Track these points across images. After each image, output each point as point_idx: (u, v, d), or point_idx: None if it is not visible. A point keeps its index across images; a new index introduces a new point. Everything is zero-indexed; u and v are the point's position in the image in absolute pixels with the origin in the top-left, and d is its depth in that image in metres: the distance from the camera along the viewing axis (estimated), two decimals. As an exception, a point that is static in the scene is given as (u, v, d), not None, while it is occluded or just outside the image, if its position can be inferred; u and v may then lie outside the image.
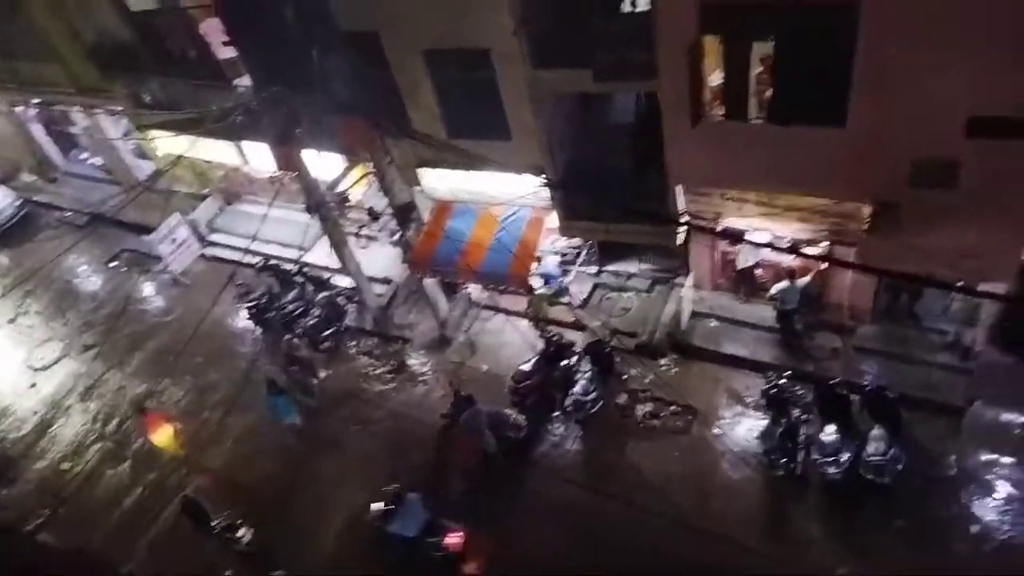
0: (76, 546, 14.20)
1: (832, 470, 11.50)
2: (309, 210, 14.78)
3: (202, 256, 19.65)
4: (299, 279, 17.51)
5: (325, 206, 14.77)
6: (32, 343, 19.24)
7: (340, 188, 15.24)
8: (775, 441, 12.12)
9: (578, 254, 16.18)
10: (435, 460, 14.04)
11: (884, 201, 10.92)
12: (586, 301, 15.75)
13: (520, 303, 16.06)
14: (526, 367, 14.18)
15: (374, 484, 13.62)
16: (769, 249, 12.73)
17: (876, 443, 11.34)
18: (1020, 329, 12.17)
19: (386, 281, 17.60)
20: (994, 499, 11.44)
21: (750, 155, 11.39)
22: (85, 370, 17.89)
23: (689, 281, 14.56)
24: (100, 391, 17.27)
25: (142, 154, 21.56)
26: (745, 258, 14.26)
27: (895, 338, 13.37)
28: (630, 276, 15.97)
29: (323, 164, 14.85)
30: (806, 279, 13.40)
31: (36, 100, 20.37)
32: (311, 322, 16.68)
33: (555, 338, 14.36)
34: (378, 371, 16.23)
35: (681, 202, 12.82)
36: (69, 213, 22.80)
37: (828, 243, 12.38)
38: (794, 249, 12.26)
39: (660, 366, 14.27)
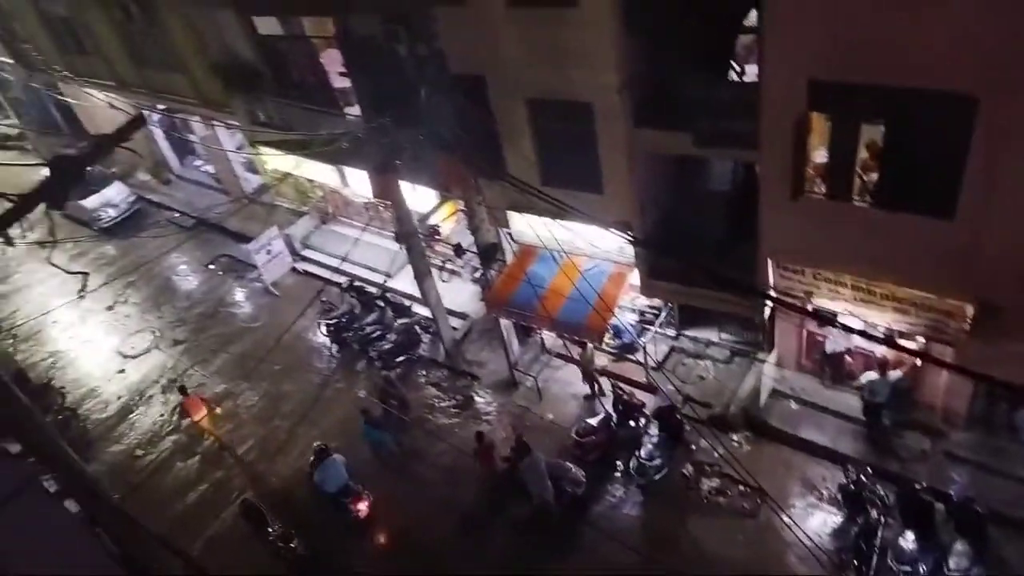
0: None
1: (907, 580, 10.73)
2: (398, 239, 15.15)
3: (293, 270, 20.44)
4: (380, 303, 17.90)
5: (414, 237, 15.10)
6: (126, 331, 20.36)
7: (430, 221, 15.59)
8: (849, 540, 11.45)
9: (657, 315, 15.88)
10: (489, 502, 13.90)
11: (990, 303, 10.25)
12: (661, 364, 15.39)
13: (597, 358, 15.85)
14: (592, 422, 13.97)
15: (423, 513, 13.85)
16: (862, 336, 12.12)
17: (959, 558, 10.55)
18: None
19: (463, 316, 17.78)
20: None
21: (849, 237, 10.95)
22: (171, 364, 18.77)
23: (772, 358, 14.01)
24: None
25: (251, 168, 22.70)
26: (835, 342, 13.60)
27: (989, 448, 12.40)
28: (709, 344, 15.52)
29: (417, 196, 15.24)
30: (899, 373, 12.66)
31: (161, 106, 21.75)
32: (386, 346, 17.04)
33: (625, 397, 14.08)
34: (444, 404, 16.32)
35: (771, 276, 12.41)
36: (177, 214, 24.22)
37: (925, 338, 11.68)
38: (889, 340, 11.63)
39: (732, 441, 13.72)
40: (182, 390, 16.31)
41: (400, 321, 17.42)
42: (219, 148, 21.76)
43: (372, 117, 14.38)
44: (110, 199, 24.23)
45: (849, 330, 11.98)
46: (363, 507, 13.80)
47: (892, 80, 9.16)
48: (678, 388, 14.24)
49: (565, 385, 15.90)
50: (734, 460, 12.23)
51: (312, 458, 14.08)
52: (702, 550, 12.43)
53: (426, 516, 13.89)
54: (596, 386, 15.28)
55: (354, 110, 16.15)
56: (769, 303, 12.89)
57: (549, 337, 16.36)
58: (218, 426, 16.52)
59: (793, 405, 14.02)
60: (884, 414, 12.83)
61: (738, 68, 12.83)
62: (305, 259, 20.86)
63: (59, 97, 25.35)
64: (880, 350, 12.87)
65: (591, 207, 12.43)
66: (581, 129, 12.62)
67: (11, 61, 25.87)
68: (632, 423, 13.88)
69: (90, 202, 23.61)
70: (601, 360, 15.75)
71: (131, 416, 17.69)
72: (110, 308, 21.17)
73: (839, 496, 12.09)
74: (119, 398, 18.24)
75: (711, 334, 15.57)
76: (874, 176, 10.65)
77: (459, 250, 16.41)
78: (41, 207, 6.31)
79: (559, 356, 16.32)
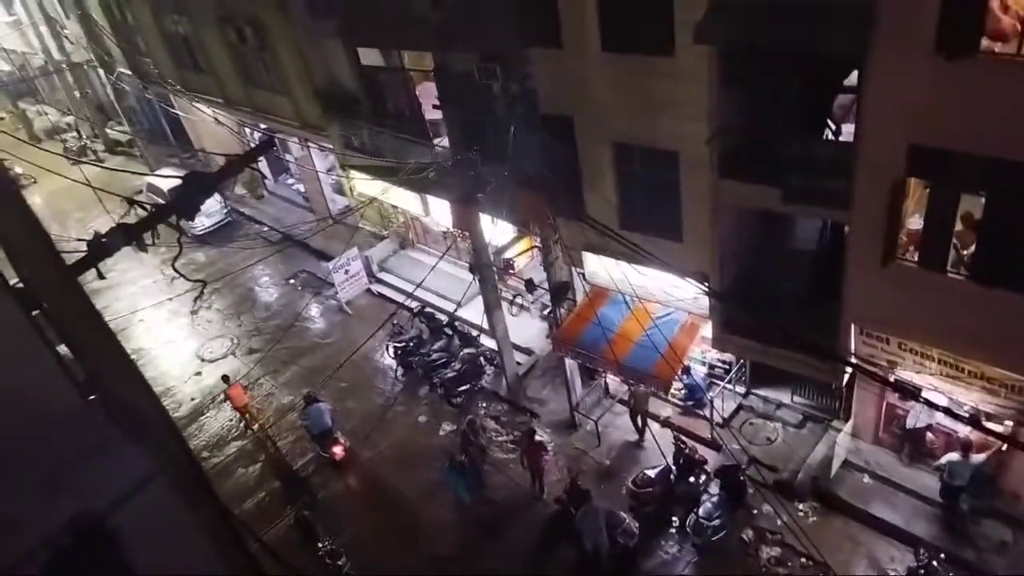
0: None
1: None
2: (472, 269, 15.37)
3: (368, 291, 20.91)
4: (448, 331, 18.10)
5: (488, 269, 15.29)
6: (206, 336, 21.19)
7: (506, 255, 15.76)
8: (914, 629, 10.73)
9: (728, 370, 15.49)
10: (539, 544, 13.69)
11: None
12: (727, 421, 14.96)
13: (659, 408, 15.58)
14: (651, 473, 13.64)
15: (469, 544, 13.81)
16: (946, 414, 11.49)
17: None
18: None
19: (528, 352, 17.78)
20: None
21: (940, 308, 10.47)
22: (245, 371, 19.35)
23: (847, 427, 13.43)
24: (253, 393, 18.58)
25: (339, 190, 23.48)
26: (916, 417, 12.94)
27: (1080, 548, 11.52)
28: (780, 405, 15.01)
29: (495, 229, 15.44)
30: (982, 456, 11.91)
31: (263, 125, 22.83)
32: (450, 375, 17.14)
33: (687, 451, 13.72)
34: (501, 438, 16.26)
35: (853, 341, 11.97)
36: (266, 228, 25.19)
37: (1014, 422, 10.99)
38: (975, 420, 10.99)
39: (797, 510, 13.13)
40: (225, 378, 17.25)
41: (466, 351, 17.54)
42: (312, 168, 22.59)
43: (460, 150, 14.78)
44: (206, 208, 25.08)
45: (933, 406, 11.37)
46: (338, 450, 15.90)
47: (997, 151, 8.82)
48: (744, 448, 13.80)
49: (626, 432, 15.62)
50: (798, 530, 11.78)
51: (303, 404, 16.24)
52: (755, 621, 11.91)
53: (479, 551, 13.80)
54: (645, 428, 15.05)
55: (443, 142, 16.60)
56: (849, 369, 12.40)
57: (613, 382, 16.16)
58: (272, 431, 17.28)
59: (866, 479, 13.35)
60: (963, 498, 12.07)
61: (833, 127, 12.59)
62: (381, 282, 21.33)
63: (170, 109, 27.00)
64: (964, 430, 12.16)
65: (669, 254, 12.33)
66: (665, 176, 12.61)
67: (130, 72, 27.72)
68: (692, 479, 13.48)
69: (186, 210, 24.81)
70: (666, 411, 15.45)
71: (202, 418, 18.29)
72: (194, 312, 22.07)
73: (908, 580, 11.41)
74: (192, 399, 18.92)
75: (784, 395, 15.07)
76: (970, 248, 10.21)
77: (531, 285, 16.48)
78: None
79: (622, 402, 16.08)
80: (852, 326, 11.78)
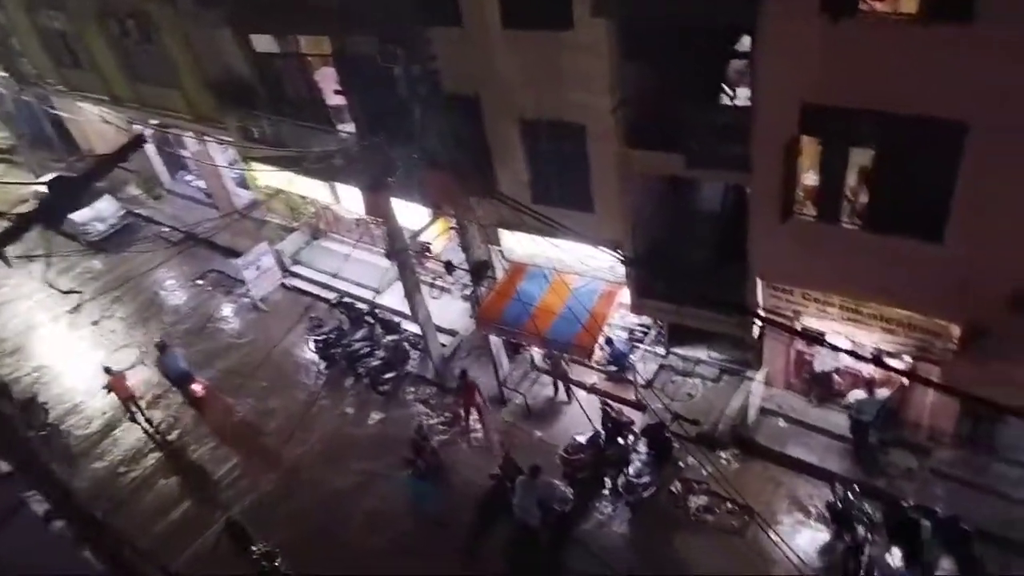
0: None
1: (894, 599, 10.80)
2: (389, 255, 15.20)
3: (282, 285, 20.39)
4: (369, 320, 17.88)
5: (405, 253, 15.15)
6: (111, 346, 20.14)
7: (422, 238, 15.65)
8: (836, 558, 11.56)
9: (647, 333, 15.99)
10: (476, 525, 13.81)
11: (976, 323, 10.45)
12: (650, 382, 15.48)
13: (584, 375, 15.94)
14: (581, 439, 13.96)
15: (406, 532, 13.85)
16: (849, 355, 12.29)
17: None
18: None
19: (452, 333, 17.79)
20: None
21: (838, 258, 11.15)
22: (157, 380, 18.55)
23: (760, 376, 14.15)
24: (166, 402, 17.94)
25: (243, 183, 22.67)
26: (823, 361, 13.78)
27: (975, 467, 12.58)
28: (698, 362, 15.64)
29: (409, 213, 15.31)
30: (886, 392, 12.84)
31: (154, 121, 21.71)
32: (375, 363, 16.99)
33: (614, 414, 14.12)
34: (432, 421, 16.26)
35: (760, 295, 12.58)
36: (166, 229, 24.09)
37: (912, 358, 11.86)
38: (876, 359, 11.80)
39: (720, 459, 13.79)
40: (107, 370, 17.01)
41: (389, 338, 17.40)
42: (211, 163, 21.73)
43: (366, 135, 14.51)
44: (99, 213, 24.00)
45: (837, 349, 12.18)
46: (198, 388, 17.28)
47: (883, 106, 9.39)
48: (667, 406, 14.33)
49: (556, 403, 15.92)
50: (722, 478, 12.38)
51: (157, 352, 17.49)
52: (688, 568, 12.45)
53: (416, 538, 13.83)
54: (569, 391, 15.60)
55: (348, 127, 16.25)
56: (758, 322, 13.04)
57: (539, 354, 16.41)
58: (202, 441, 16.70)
59: (781, 423, 14.15)
60: (871, 433, 12.96)
61: (730, 91, 13.09)
62: (294, 275, 20.79)
63: (52, 111, 25.28)
64: (868, 369, 13.06)
65: (582, 226, 12.56)
66: (573, 149, 12.81)
67: (4, 74, 25.78)
68: (621, 441, 13.89)
69: (79, 215, 23.40)
70: (592, 378, 15.83)
71: (115, 432, 17.47)
72: (96, 323, 20.95)
73: (826, 514, 12.22)
74: (103, 414, 18.00)
75: (700, 353, 15.70)
76: (863, 199, 10.87)
77: (449, 267, 16.46)
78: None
79: (546, 372, 16.36)
80: (759, 281, 12.38)
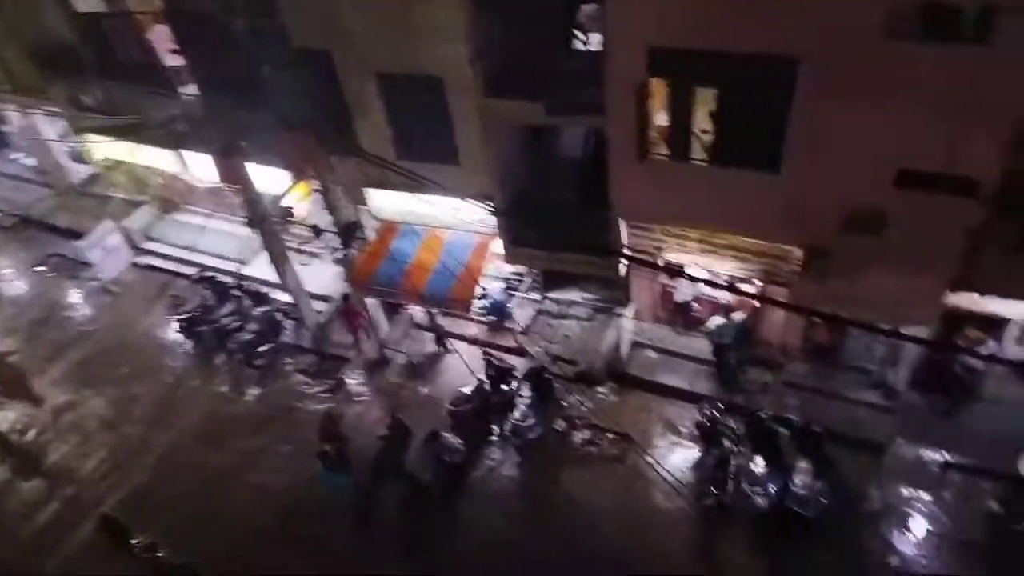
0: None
1: (760, 501, 11.84)
2: (250, 224, 14.51)
3: (134, 264, 19.11)
4: (236, 293, 17.13)
5: (267, 220, 14.54)
6: (-55, 348, 18.22)
7: (283, 203, 15.04)
8: (707, 471, 12.44)
9: (522, 281, 16.32)
10: (367, 485, 13.82)
11: (815, 246, 11.42)
12: (528, 328, 15.88)
13: (465, 327, 16.10)
14: (465, 390, 14.18)
15: (292, 507, 13.62)
16: (706, 285, 13.12)
17: (802, 476, 11.74)
18: (939, 372, 12.85)
19: (326, 299, 17.37)
20: (913, 533, 11.94)
21: (691, 194, 11.77)
22: (1, 379, 17.02)
23: (629, 312, 14.86)
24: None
25: (78, 157, 20.85)
26: (683, 293, 14.65)
27: (822, 376, 13.92)
28: (572, 304, 16.20)
29: (267, 178, 14.63)
30: (741, 316, 13.85)
31: (-35, 96, 19.42)
32: (246, 337, 16.37)
33: (496, 363, 14.42)
34: (314, 390, 15.95)
35: (624, 236, 13.12)
36: (-6, 213, 21.80)
37: (762, 282, 12.84)
38: (730, 286, 12.67)
39: (598, 394, 14.48)
40: None
41: (259, 309, 16.78)
42: (39, 138, 19.75)
43: (210, 96, 13.66)
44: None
45: (695, 280, 12.98)
46: None
47: (720, 45, 9.87)
48: (546, 349, 14.78)
49: (437, 357, 16.03)
50: (601, 411, 13.03)
51: None
52: (576, 500, 13.06)
53: (308, 506, 13.65)
54: (444, 341, 15.87)
55: (191, 89, 15.19)
56: (624, 261, 13.61)
57: (418, 312, 16.39)
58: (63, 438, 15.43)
59: (651, 354, 15.00)
60: (731, 354, 14.03)
61: (583, 37, 13.30)
62: (147, 252, 19.51)
63: None
64: (724, 296, 14.00)
65: (449, 179, 12.53)
66: (434, 102, 12.64)
67: None
68: (505, 387, 14.25)
69: None
70: (473, 329, 16.02)
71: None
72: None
73: (695, 432, 13.17)
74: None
75: (573, 295, 16.27)
76: (710, 136, 11.48)
77: (316, 231, 15.95)
78: None
79: (428, 330, 16.40)
80: (621, 222, 12.88)
